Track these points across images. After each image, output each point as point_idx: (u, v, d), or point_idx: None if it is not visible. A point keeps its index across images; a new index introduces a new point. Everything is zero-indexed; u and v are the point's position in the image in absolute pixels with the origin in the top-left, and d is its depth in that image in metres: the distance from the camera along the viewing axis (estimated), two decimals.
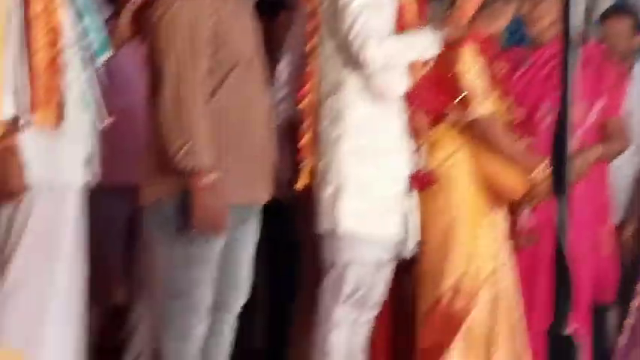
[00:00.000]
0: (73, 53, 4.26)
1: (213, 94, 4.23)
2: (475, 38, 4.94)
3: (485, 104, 4.87)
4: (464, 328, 4.86)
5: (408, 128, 4.81)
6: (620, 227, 6.05)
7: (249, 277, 4.54)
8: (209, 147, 4.14)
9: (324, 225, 4.74)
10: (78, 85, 4.30)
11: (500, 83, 5.01)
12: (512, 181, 4.97)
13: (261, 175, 4.41)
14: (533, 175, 4.90)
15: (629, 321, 5.48)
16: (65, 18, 4.20)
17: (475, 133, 4.91)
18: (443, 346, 4.86)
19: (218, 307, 4.42)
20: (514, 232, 5.09)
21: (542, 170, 4.83)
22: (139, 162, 4.65)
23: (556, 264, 2.23)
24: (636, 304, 5.46)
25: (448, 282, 4.89)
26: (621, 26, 6.34)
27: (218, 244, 4.30)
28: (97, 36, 4.42)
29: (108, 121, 4.45)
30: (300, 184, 4.80)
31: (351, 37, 4.59)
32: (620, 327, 5.66)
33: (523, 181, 4.95)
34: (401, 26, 4.75)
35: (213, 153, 4.15)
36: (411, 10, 4.87)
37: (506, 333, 4.94)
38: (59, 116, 4.14)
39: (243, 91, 4.31)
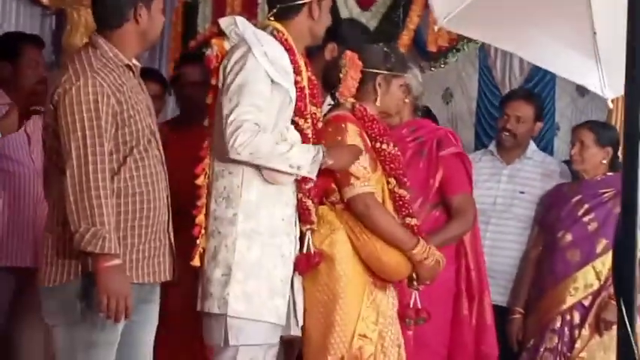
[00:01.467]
0: None
1: (116, 172, 4.24)
2: (359, 118, 5.02)
3: (362, 183, 4.89)
4: None
5: (297, 210, 4.83)
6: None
7: (150, 356, 4.59)
8: (115, 230, 4.14)
9: (213, 306, 4.73)
10: None
11: (388, 161, 5.03)
12: (394, 261, 4.94)
13: (161, 253, 4.44)
14: (414, 255, 4.91)
15: None
16: None
17: (353, 211, 4.92)
18: None
19: None
20: (404, 312, 5.09)
21: (422, 250, 4.91)
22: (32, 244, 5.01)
23: None
24: None
25: (334, 358, 4.86)
26: (526, 111, 6.48)
27: (120, 327, 4.29)
28: None
29: None
30: (195, 262, 4.76)
31: (225, 120, 4.61)
32: None
33: (404, 260, 4.93)
34: (302, 111, 4.81)
35: (117, 234, 4.17)
36: (314, 93, 4.96)
37: None
38: None
39: (144, 168, 4.35)
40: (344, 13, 7.53)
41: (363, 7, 7.50)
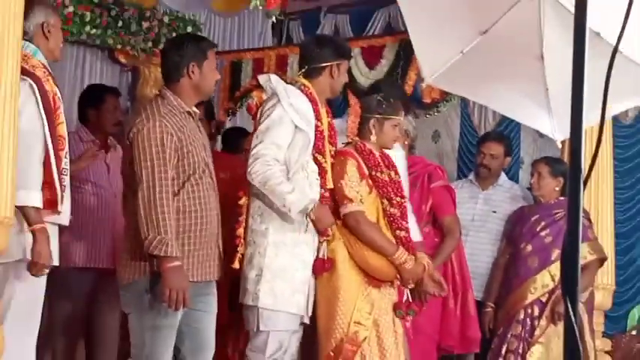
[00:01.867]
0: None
1: (176, 194, 4.35)
2: (359, 152, 5.08)
3: (354, 204, 4.95)
4: None
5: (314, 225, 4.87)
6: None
7: (213, 339, 4.64)
8: (176, 239, 4.27)
9: (249, 299, 4.82)
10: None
11: (381, 186, 5.05)
12: (379, 264, 4.97)
13: (212, 259, 4.54)
14: (394, 260, 4.94)
15: None
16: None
17: (347, 225, 4.96)
18: None
19: None
20: (397, 306, 5.09)
21: (401, 256, 4.94)
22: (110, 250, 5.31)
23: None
24: None
25: (332, 342, 4.90)
26: (497, 149, 6.53)
27: (179, 315, 4.40)
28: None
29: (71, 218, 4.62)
30: (235, 265, 4.85)
31: (250, 153, 4.77)
32: None
33: (387, 264, 4.96)
34: (320, 149, 4.91)
35: (177, 242, 4.29)
36: (326, 133, 5.01)
37: None
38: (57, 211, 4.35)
39: (199, 192, 4.44)
40: (355, 71, 7.52)
41: (370, 67, 7.48)
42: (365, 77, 7.49)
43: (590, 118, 2.25)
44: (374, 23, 8.33)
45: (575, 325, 2.22)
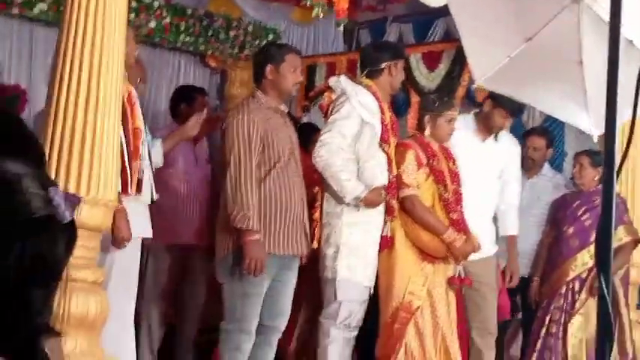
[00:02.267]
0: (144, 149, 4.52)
1: (264, 179, 4.49)
2: (417, 144, 5.14)
3: (411, 189, 5.00)
4: (402, 344, 4.93)
5: (384, 206, 4.94)
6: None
7: (289, 307, 4.75)
8: (257, 215, 4.38)
9: (328, 273, 4.87)
10: (149, 169, 4.59)
11: (436, 174, 5.09)
12: (431, 242, 5.00)
13: (297, 236, 4.63)
14: (445, 238, 4.97)
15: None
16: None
17: (404, 208, 4.99)
18: (389, 354, 4.96)
19: (268, 328, 4.65)
20: (451, 280, 5.13)
21: (450, 235, 4.97)
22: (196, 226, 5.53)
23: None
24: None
25: (390, 310, 4.97)
26: (540, 143, 6.48)
27: (265, 284, 4.53)
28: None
29: (157, 196, 4.71)
30: (314, 244, 4.90)
31: (319, 139, 4.86)
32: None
33: (439, 242, 4.99)
34: (386, 139, 4.93)
35: (259, 219, 4.41)
36: (393, 126, 5.07)
37: (435, 351, 5.00)
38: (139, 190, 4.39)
39: (283, 178, 4.56)
40: (416, 73, 7.52)
41: (429, 70, 7.48)
42: (425, 79, 7.50)
43: (623, 116, 2.24)
44: (434, 31, 8.29)
45: (607, 293, 2.22)
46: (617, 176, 2.26)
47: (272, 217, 4.49)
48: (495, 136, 5.61)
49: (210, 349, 5.37)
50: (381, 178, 4.87)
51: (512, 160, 5.72)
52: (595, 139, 2.94)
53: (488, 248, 5.55)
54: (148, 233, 4.66)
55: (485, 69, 3.08)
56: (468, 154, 5.44)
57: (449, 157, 5.23)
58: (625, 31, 2.35)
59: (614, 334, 2.25)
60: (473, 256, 5.32)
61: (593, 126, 3.03)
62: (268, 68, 4.61)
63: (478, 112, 5.69)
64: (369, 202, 4.79)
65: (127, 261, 4.46)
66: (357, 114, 4.83)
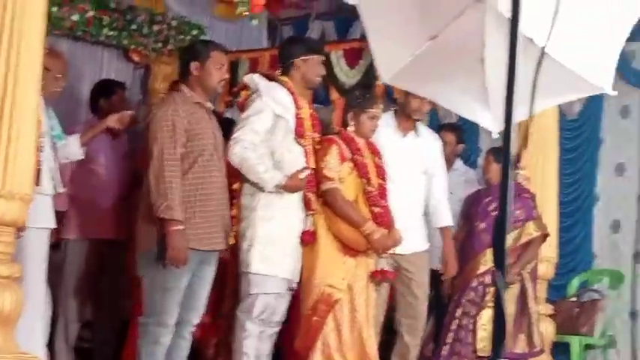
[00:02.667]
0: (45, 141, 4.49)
1: (186, 172, 4.42)
2: (341, 139, 5.13)
3: (332, 183, 4.99)
4: (320, 336, 4.92)
5: (302, 200, 4.93)
6: None
7: (204, 303, 4.67)
8: (180, 206, 4.32)
9: (243, 267, 4.82)
10: (47, 162, 4.53)
11: (360, 168, 5.09)
12: (351, 235, 4.99)
13: (217, 231, 4.56)
14: (363, 231, 4.96)
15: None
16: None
17: (325, 201, 4.99)
18: (308, 347, 4.95)
19: (181, 321, 4.56)
20: (373, 274, 5.12)
21: (369, 228, 4.97)
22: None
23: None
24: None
25: (310, 302, 4.95)
26: (449, 138, 6.52)
27: (186, 278, 4.46)
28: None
29: (63, 189, 4.71)
30: (231, 240, 4.84)
31: (232, 136, 4.82)
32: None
33: (359, 235, 4.99)
34: (301, 134, 4.90)
35: (183, 212, 4.34)
36: (308, 121, 5.01)
37: (351, 344, 4.98)
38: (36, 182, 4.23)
39: (206, 172, 4.50)
40: (337, 70, 7.51)
41: (350, 67, 7.48)
42: (345, 75, 7.50)
43: (521, 113, 2.25)
44: (355, 29, 8.30)
45: (502, 292, 2.23)
46: (515, 168, 2.26)
47: (193, 212, 4.43)
48: (416, 131, 5.63)
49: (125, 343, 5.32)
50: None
51: (435, 154, 5.75)
52: (495, 136, 2.97)
53: (419, 244, 5.59)
54: (52, 224, 4.61)
55: (390, 67, 3.09)
56: (392, 151, 5.46)
57: (375, 152, 5.26)
58: (525, 29, 2.36)
59: (506, 323, 2.26)
60: (404, 251, 5.38)
61: (493, 123, 3.05)
62: (193, 65, 4.57)
63: (397, 110, 5.71)
64: (290, 188, 4.79)
65: (34, 253, 4.42)
66: (269, 109, 4.81)
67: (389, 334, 5.71)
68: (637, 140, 7.40)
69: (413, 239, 5.48)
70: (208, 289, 4.67)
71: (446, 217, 5.77)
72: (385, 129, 5.53)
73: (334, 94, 7.46)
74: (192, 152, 4.45)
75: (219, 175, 4.57)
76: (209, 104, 4.67)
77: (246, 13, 5.84)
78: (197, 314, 4.64)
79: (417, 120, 5.67)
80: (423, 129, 5.78)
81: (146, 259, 4.46)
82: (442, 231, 5.80)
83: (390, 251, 5.22)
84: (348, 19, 8.32)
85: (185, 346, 4.64)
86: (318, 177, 4.98)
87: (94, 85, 6.37)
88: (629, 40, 3.04)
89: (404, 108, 5.62)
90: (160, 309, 4.43)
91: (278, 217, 4.82)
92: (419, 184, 5.63)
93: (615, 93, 3.15)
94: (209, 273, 4.64)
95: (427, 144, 5.71)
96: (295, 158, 4.86)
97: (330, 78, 7.56)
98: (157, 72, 8.15)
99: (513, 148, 2.25)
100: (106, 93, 6.00)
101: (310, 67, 5.02)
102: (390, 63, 3.08)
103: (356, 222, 4.98)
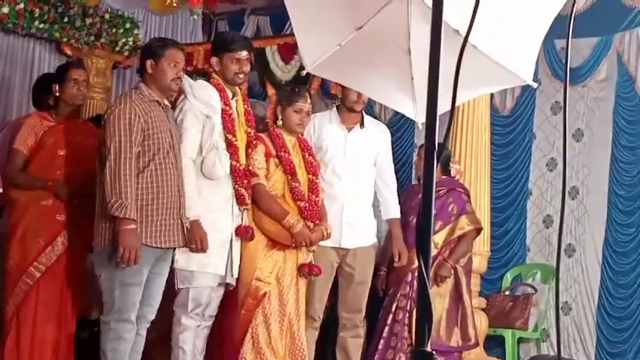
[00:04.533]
0: None
1: (142, 171, 4.43)
2: (268, 135, 5.17)
3: (257, 179, 5.03)
4: (249, 329, 4.96)
5: (233, 195, 4.90)
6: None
7: (159, 298, 4.68)
8: (134, 204, 4.33)
9: (174, 263, 4.78)
10: None
11: (284, 164, 5.10)
12: (274, 228, 5.04)
13: (173, 229, 4.57)
14: (284, 224, 5.01)
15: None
16: None
17: (253, 196, 5.01)
18: (238, 340, 4.98)
19: (138, 318, 4.57)
20: (300, 268, 5.13)
21: (289, 221, 5.00)
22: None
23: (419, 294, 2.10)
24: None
25: (241, 295, 4.99)
26: None
27: (145, 274, 4.49)
28: None
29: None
30: None
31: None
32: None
33: (281, 229, 5.03)
34: (230, 129, 4.87)
35: (138, 210, 4.36)
36: (242, 116, 5.04)
37: (281, 337, 5.01)
38: None
39: (162, 170, 4.50)
40: (272, 66, 7.50)
41: (285, 62, 7.47)
42: (281, 71, 7.49)
43: (445, 104, 2.24)
44: (290, 24, 8.27)
45: (427, 281, 2.22)
46: (438, 160, 2.25)
47: (148, 209, 4.44)
48: (362, 124, 5.63)
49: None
50: (221, 166, 4.81)
51: (383, 146, 5.75)
52: (419, 127, 2.97)
53: (365, 239, 5.61)
54: None
55: (315, 56, 3.07)
56: (338, 147, 5.51)
57: (305, 148, 5.26)
58: (451, 21, 2.35)
59: (432, 315, 2.25)
60: (349, 245, 5.46)
61: (418, 113, 3.06)
62: (149, 62, 4.60)
63: (339, 105, 5.71)
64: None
65: None
66: (195, 108, 4.79)
67: (331, 328, 5.73)
68: (569, 136, 7.49)
69: (360, 234, 5.53)
70: (162, 285, 4.68)
71: (394, 209, 5.78)
72: (329, 125, 5.58)
73: (271, 90, 7.45)
74: (149, 151, 4.46)
75: (175, 173, 4.58)
76: (166, 102, 4.66)
77: (175, 5, 5.80)
78: (152, 310, 4.65)
79: (359, 112, 5.66)
80: (369, 121, 5.78)
81: (103, 256, 4.47)
82: (391, 222, 5.80)
83: (332, 245, 5.33)
84: (283, 14, 8.21)
85: (141, 343, 4.64)
86: (249, 173, 5.00)
87: (36, 80, 6.25)
88: (560, 37, 3.06)
89: (344, 102, 5.61)
90: (120, 305, 4.44)
91: (205, 213, 4.78)
92: (368, 178, 5.65)
93: (536, 85, 3.17)
94: (165, 270, 4.67)
95: (374, 135, 5.71)
96: (218, 156, 4.82)
97: (266, 73, 7.56)
98: (90, 66, 8.07)
99: (438, 138, 2.24)
100: (47, 88, 5.87)
101: (225, 64, 4.98)
102: (315, 52, 3.06)
103: (277, 215, 5.02)
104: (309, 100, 5.25)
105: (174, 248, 4.65)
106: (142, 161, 4.43)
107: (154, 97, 4.56)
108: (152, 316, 4.64)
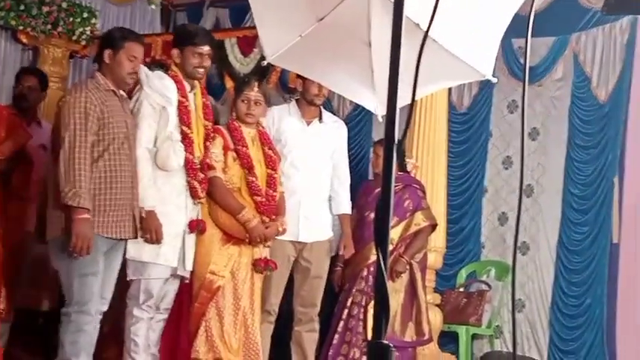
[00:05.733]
0: None
1: (97, 160, 4.37)
2: (226, 128, 5.17)
3: (214, 172, 5.01)
4: (202, 323, 4.95)
5: (187, 188, 4.87)
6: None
7: (112, 290, 4.63)
8: (88, 193, 4.27)
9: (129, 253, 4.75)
10: None
11: (242, 157, 5.10)
12: (228, 222, 5.04)
13: (126, 220, 4.51)
14: (239, 218, 5.00)
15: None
16: None
17: (209, 189, 4.99)
18: (191, 333, 4.97)
19: None
20: (256, 263, 5.12)
21: (244, 215, 5.00)
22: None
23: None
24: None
25: (195, 288, 4.99)
26: None
27: (101, 263, 4.43)
28: None
29: None
30: None
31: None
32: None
33: (236, 223, 5.02)
34: (185, 121, 4.83)
35: (91, 200, 4.30)
36: (199, 109, 4.99)
37: (234, 331, 4.99)
38: None
39: (116, 160, 4.44)
40: (231, 58, 7.46)
41: (244, 54, 7.44)
42: (240, 63, 7.46)
43: (405, 97, 2.24)
44: (250, 17, 8.24)
45: (385, 273, 2.23)
46: (398, 155, 2.25)
47: (101, 199, 4.39)
48: (320, 118, 5.63)
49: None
50: (175, 158, 4.76)
51: (340, 141, 5.78)
52: (380, 119, 2.97)
53: (321, 233, 5.62)
54: None
55: (276, 47, 3.07)
56: (296, 140, 5.53)
57: (265, 141, 5.23)
58: (411, 14, 2.35)
59: (389, 308, 2.26)
60: (305, 239, 5.48)
61: (378, 106, 3.06)
62: (107, 53, 4.55)
63: (298, 99, 5.71)
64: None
65: None
66: (151, 99, 4.75)
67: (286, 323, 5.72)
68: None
69: (317, 228, 5.56)
70: (115, 276, 4.63)
71: (346, 205, 5.78)
72: (288, 118, 5.60)
73: (229, 83, 7.41)
74: (104, 140, 4.41)
75: (129, 164, 4.53)
76: (122, 92, 4.61)
77: None
78: (105, 302, 4.59)
79: (319, 106, 5.66)
80: (327, 116, 5.79)
81: (58, 247, 4.41)
82: (341, 218, 5.80)
83: (289, 238, 5.34)
84: (243, 7, 8.21)
85: (94, 335, 4.54)
86: (205, 165, 4.96)
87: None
88: (517, 36, 3.08)
89: (304, 95, 5.62)
90: (80, 296, 4.38)
91: (158, 205, 4.73)
92: (325, 172, 5.67)
93: (496, 80, 3.19)
94: (117, 261, 4.62)
95: (332, 130, 5.73)
96: (172, 147, 4.77)
97: (225, 66, 7.51)
98: (46, 54, 7.98)
99: (397, 133, 2.23)
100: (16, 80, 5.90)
101: (186, 57, 4.94)
102: (276, 43, 3.06)
103: (233, 209, 5.01)
104: (255, 89, 5.22)
105: (126, 239, 4.60)
106: (97, 151, 4.38)
107: (110, 87, 4.51)
108: (105, 308, 4.59)
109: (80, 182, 4.24)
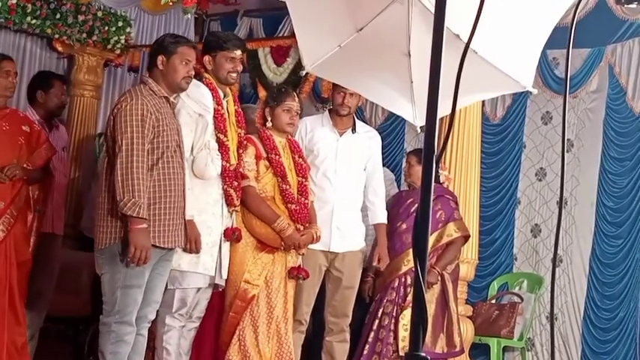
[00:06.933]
0: None
1: (151, 169, 4.31)
2: (258, 137, 5.14)
3: (247, 180, 4.99)
4: (236, 332, 4.93)
5: (223, 196, 4.84)
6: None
7: (160, 298, 4.59)
8: (146, 203, 4.22)
9: None
10: None
11: (274, 166, 5.08)
12: (263, 231, 5.01)
13: (178, 229, 4.48)
14: (274, 227, 4.97)
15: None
16: None
17: (243, 198, 4.96)
18: (225, 342, 4.96)
19: (139, 318, 4.46)
20: (291, 270, 5.11)
21: (280, 224, 4.97)
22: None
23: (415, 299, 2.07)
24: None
25: (229, 299, 4.98)
26: None
27: (147, 275, 4.38)
28: None
29: None
30: None
31: None
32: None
33: (271, 232, 5.00)
34: (221, 129, 4.82)
35: (148, 211, 4.25)
36: (232, 116, 4.97)
37: (268, 340, 4.97)
38: None
39: (169, 169, 4.39)
40: (264, 68, 7.47)
41: (277, 64, 7.45)
42: (273, 73, 7.47)
43: (445, 108, 2.22)
44: (283, 26, 8.28)
45: (423, 284, 2.19)
46: (437, 165, 2.23)
47: (156, 208, 4.33)
48: (353, 129, 5.62)
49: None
50: (213, 167, 4.76)
51: (374, 151, 5.74)
52: (418, 130, 2.95)
53: (354, 243, 5.59)
54: None
55: (315, 57, 3.06)
56: (329, 151, 5.51)
57: (296, 150, 5.24)
58: (452, 25, 2.33)
59: (427, 320, 2.23)
60: (338, 249, 5.45)
61: (417, 117, 3.04)
62: (160, 58, 4.49)
63: (331, 109, 5.70)
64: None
65: None
66: (187, 106, 4.74)
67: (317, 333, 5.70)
68: (558, 146, 7.49)
69: (349, 238, 5.53)
70: (164, 285, 4.60)
71: (382, 215, 5.76)
72: (321, 129, 5.59)
73: (262, 92, 7.41)
74: (158, 148, 4.35)
75: (180, 172, 4.49)
76: (172, 99, 4.57)
77: (171, 3, 5.76)
78: (153, 310, 4.56)
79: (344, 115, 5.64)
80: (360, 126, 5.77)
81: (107, 256, 4.36)
82: (377, 227, 5.78)
83: (321, 248, 5.32)
84: (276, 16, 8.29)
85: (143, 343, 4.54)
86: (239, 174, 4.95)
87: (32, 77, 6.23)
88: (552, 47, 3.06)
89: (333, 105, 5.62)
90: (121, 306, 4.34)
91: (195, 214, 4.73)
92: (358, 183, 5.63)
93: (536, 91, 3.17)
94: (167, 270, 4.58)
95: (365, 140, 5.70)
96: (210, 156, 4.77)
97: (258, 75, 7.52)
98: (81, 63, 8.05)
99: (436, 144, 2.21)
100: (43, 85, 5.88)
101: (218, 63, 4.93)
102: (315, 52, 3.05)
103: (268, 218, 4.99)
104: (296, 100, 5.23)
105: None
106: (151, 159, 4.31)
107: (164, 93, 4.47)
108: (153, 316, 4.56)
109: (139, 192, 4.18)
